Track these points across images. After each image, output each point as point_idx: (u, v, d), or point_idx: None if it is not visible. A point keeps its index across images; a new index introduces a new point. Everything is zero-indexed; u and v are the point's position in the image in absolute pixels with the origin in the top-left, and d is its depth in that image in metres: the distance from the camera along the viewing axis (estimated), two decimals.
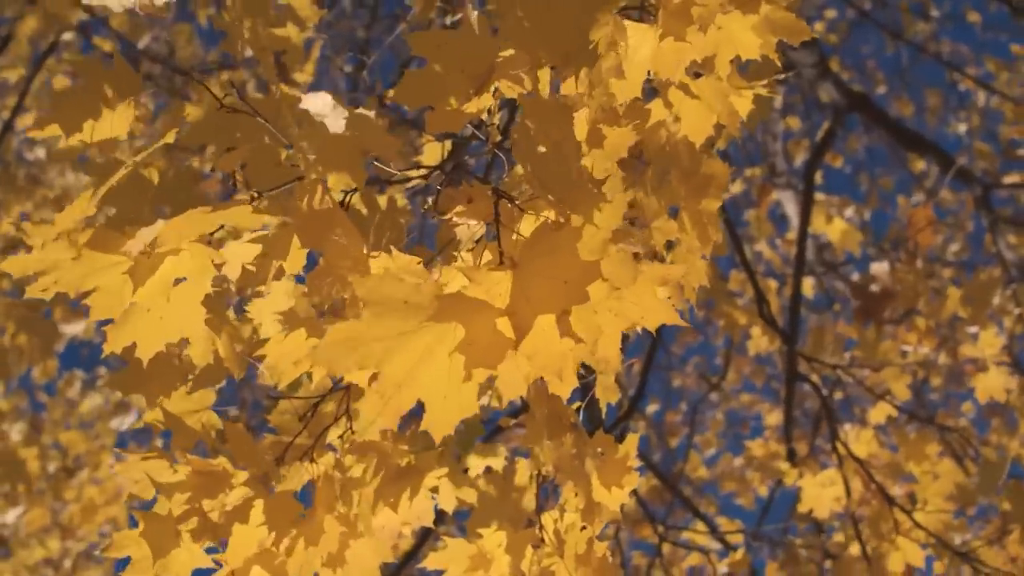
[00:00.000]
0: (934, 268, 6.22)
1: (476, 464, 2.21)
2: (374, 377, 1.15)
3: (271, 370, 1.46)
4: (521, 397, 1.77)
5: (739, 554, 3.75)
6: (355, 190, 1.45)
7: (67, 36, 5.12)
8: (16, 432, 6.37)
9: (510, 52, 1.37)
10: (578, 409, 1.76)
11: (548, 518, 1.72)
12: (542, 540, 1.70)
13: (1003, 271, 5.12)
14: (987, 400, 4.49)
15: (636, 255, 1.50)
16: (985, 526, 3.56)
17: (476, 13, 1.38)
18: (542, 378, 1.60)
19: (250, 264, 1.34)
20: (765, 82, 1.55)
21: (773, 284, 6.12)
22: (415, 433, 2.10)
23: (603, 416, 1.87)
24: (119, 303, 1.29)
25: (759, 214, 6.39)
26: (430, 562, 1.72)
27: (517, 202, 1.37)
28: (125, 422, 6.60)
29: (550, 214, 1.28)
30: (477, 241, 1.45)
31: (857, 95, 4.79)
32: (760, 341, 5.30)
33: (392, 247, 1.22)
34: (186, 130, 1.53)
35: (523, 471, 2.00)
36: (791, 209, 6.49)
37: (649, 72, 1.47)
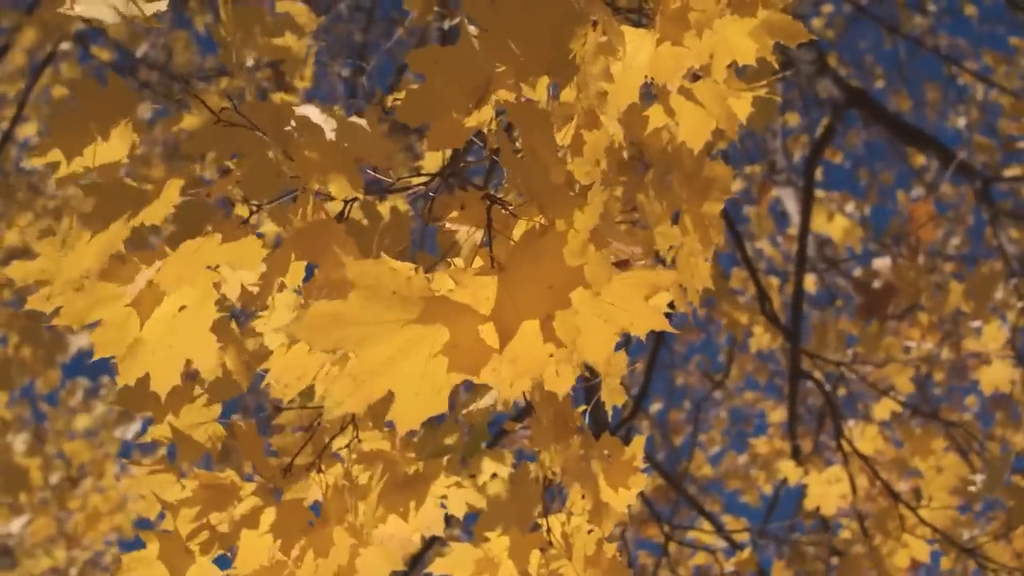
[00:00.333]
0: (935, 262, 6.22)
1: (483, 470, 2.21)
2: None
3: (276, 383, 1.46)
4: (525, 400, 1.77)
5: (745, 553, 3.74)
6: (355, 199, 1.45)
7: (65, 46, 5.12)
8: (20, 443, 6.37)
9: (502, 67, 1.37)
10: (583, 412, 1.76)
11: (555, 521, 1.72)
12: (549, 543, 1.70)
13: (1005, 265, 5.12)
14: (992, 393, 4.49)
15: (626, 262, 1.50)
16: (991, 522, 3.56)
17: (472, 26, 1.38)
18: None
19: (251, 284, 1.34)
20: (765, 83, 1.54)
21: (775, 281, 6.12)
22: (422, 440, 2.10)
23: (608, 419, 1.87)
24: (124, 338, 1.29)
25: (759, 211, 6.39)
26: (436, 567, 1.72)
27: (511, 208, 1.38)
28: (129, 431, 6.60)
29: (540, 220, 1.28)
30: (479, 247, 1.45)
31: (856, 91, 4.79)
32: (762, 338, 5.30)
33: (383, 253, 1.22)
34: (187, 142, 1.54)
35: (529, 474, 2.00)
36: (791, 206, 6.48)
37: (649, 78, 1.47)
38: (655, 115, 1.55)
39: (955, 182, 5.92)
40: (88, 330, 1.31)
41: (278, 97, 2.25)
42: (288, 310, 1.47)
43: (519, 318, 1.15)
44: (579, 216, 1.19)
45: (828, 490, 4.01)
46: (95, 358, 1.29)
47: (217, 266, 1.32)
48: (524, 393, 1.66)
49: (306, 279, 1.40)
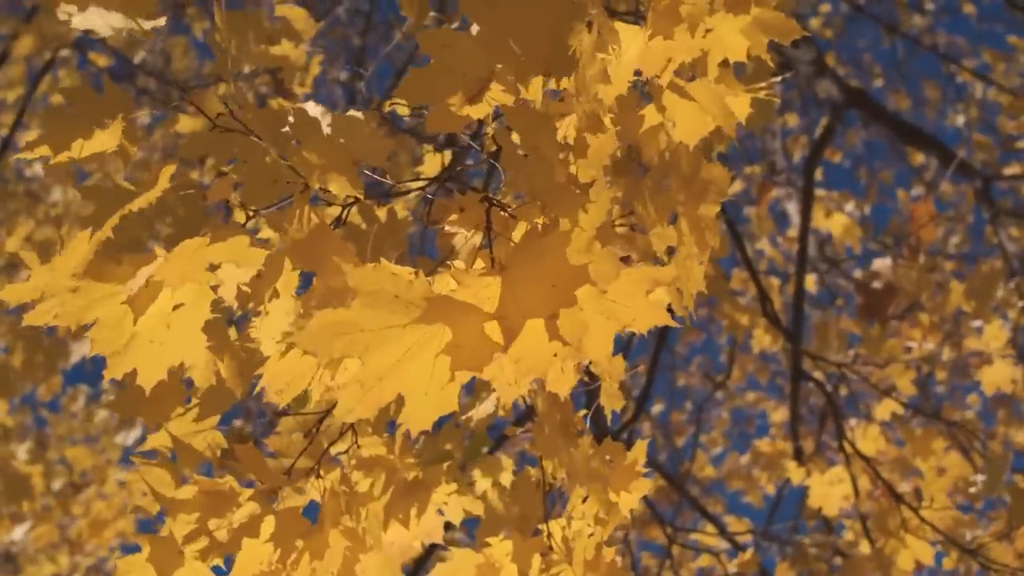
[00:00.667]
0: (936, 261, 6.22)
1: (482, 479, 2.21)
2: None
3: (270, 388, 1.46)
4: (525, 404, 1.77)
5: (748, 554, 3.73)
6: (355, 202, 1.45)
7: (63, 53, 5.13)
8: (23, 451, 6.37)
9: (500, 65, 1.37)
10: (584, 416, 1.76)
11: (556, 525, 1.72)
12: (550, 548, 1.69)
13: (1005, 264, 5.11)
14: (994, 392, 4.48)
15: (629, 258, 1.50)
16: (994, 522, 3.56)
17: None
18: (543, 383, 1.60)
19: (245, 285, 1.34)
20: (764, 85, 1.54)
21: (775, 282, 6.11)
22: (422, 446, 2.10)
23: (608, 423, 1.87)
24: (120, 335, 1.29)
25: (759, 212, 6.38)
26: (437, 573, 1.71)
27: (510, 210, 1.37)
28: (131, 437, 6.60)
29: (541, 220, 1.28)
30: (478, 250, 1.45)
31: (855, 91, 4.78)
32: (763, 339, 5.29)
33: (382, 257, 1.22)
34: (183, 144, 1.54)
35: (530, 479, 1.99)
36: (791, 206, 6.48)
37: (641, 75, 1.47)
38: (650, 115, 1.55)
39: (955, 180, 5.92)
40: (86, 337, 1.31)
41: (277, 103, 2.26)
42: (283, 316, 1.47)
43: (523, 316, 1.15)
44: (584, 214, 1.18)
45: (830, 491, 4.00)
46: (91, 354, 1.29)
47: (216, 266, 1.32)
48: (524, 397, 1.66)
49: (302, 284, 1.40)
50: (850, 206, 6.73)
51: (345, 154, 1.40)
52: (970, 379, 5.14)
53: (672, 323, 1.26)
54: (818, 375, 4.79)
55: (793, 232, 6.51)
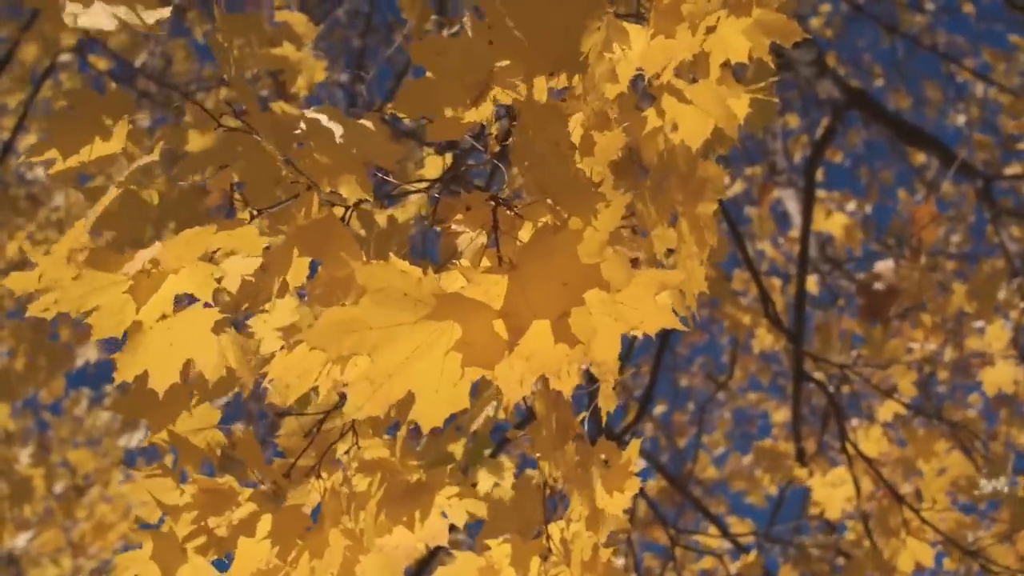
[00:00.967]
0: (937, 261, 6.21)
1: (485, 480, 2.20)
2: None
3: (276, 386, 1.46)
4: (527, 406, 1.77)
5: (751, 556, 3.73)
6: (362, 202, 1.45)
7: (65, 57, 5.13)
8: (26, 456, 6.37)
9: (507, 61, 1.37)
10: (584, 418, 1.76)
11: (555, 528, 1.72)
12: (549, 550, 1.70)
13: (1007, 263, 5.11)
14: (995, 392, 4.48)
15: (635, 260, 1.50)
16: (995, 523, 3.55)
17: (472, 23, 1.38)
18: (548, 386, 1.60)
19: (249, 276, 1.34)
20: (763, 86, 1.54)
21: (777, 282, 6.11)
22: (424, 448, 2.10)
23: (604, 424, 1.87)
24: (120, 322, 1.29)
25: (761, 213, 6.38)
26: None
27: (516, 208, 1.37)
28: (133, 439, 6.60)
29: (548, 219, 1.28)
30: (483, 251, 1.45)
31: (856, 91, 4.78)
32: (765, 339, 5.29)
33: (391, 254, 1.22)
34: (185, 163, 1.54)
35: (531, 482, 1.99)
36: (793, 207, 6.48)
37: (644, 74, 1.47)
38: (653, 116, 1.55)
39: (956, 180, 5.92)
40: (94, 342, 1.31)
41: (278, 106, 2.26)
42: (288, 311, 1.47)
43: (532, 315, 1.15)
44: (599, 215, 1.18)
45: (832, 492, 4.00)
46: (93, 339, 1.29)
47: (216, 251, 1.31)
48: (525, 399, 1.66)
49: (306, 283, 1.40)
50: (851, 206, 6.73)
51: (355, 156, 1.40)
52: (972, 379, 5.14)
53: (679, 325, 1.26)
54: (820, 376, 4.78)
55: (794, 233, 6.51)
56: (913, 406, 4.60)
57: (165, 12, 1.46)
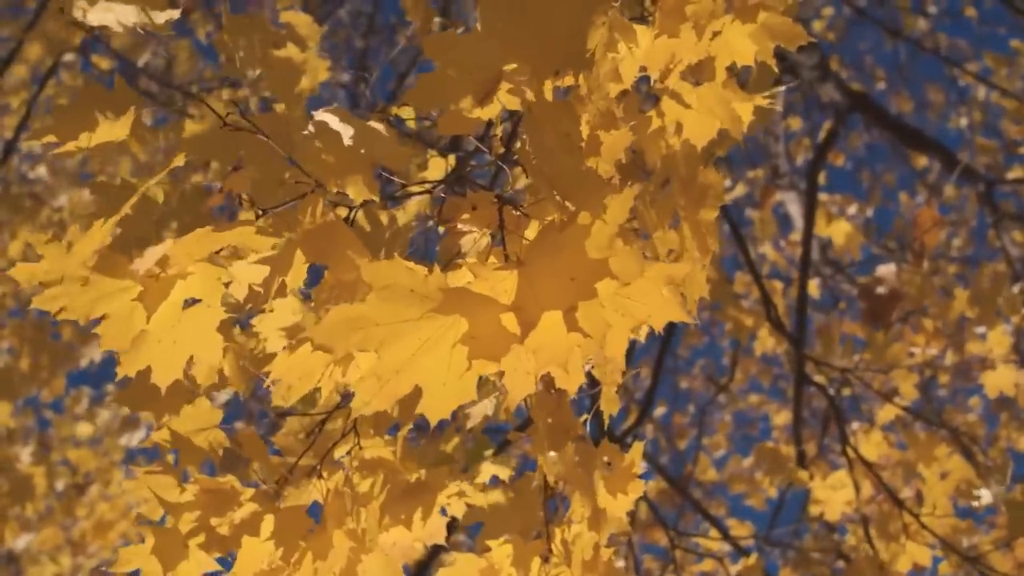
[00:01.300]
0: (938, 264, 6.22)
1: (485, 472, 2.21)
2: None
3: (279, 387, 1.46)
4: (527, 408, 1.77)
5: (751, 559, 3.73)
6: (368, 202, 1.46)
7: (68, 57, 5.14)
8: (27, 454, 6.38)
9: (514, 64, 1.37)
10: (586, 420, 1.76)
11: (556, 529, 1.72)
12: (550, 551, 1.70)
13: (1008, 268, 5.11)
14: (996, 396, 4.48)
15: (645, 256, 1.50)
16: (994, 528, 3.55)
17: (481, 21, 1.38)
18: (543, 386, 1.60)
19: (257, 285, 1.34)
20: (767, 93, 1.55)
21: (779, 285, 6.12)
22: (423, 448, 2.10)
23: (606, 427, 1.87)
24: (130, 330, 1.29)
25: (763, 216, 6.39)
26: None
27: (523, 207, 1.38)
28: (135, 438, 6.60)
29: (555, 217, 1.28)
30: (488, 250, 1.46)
31: (858, 95, 4.79)
32: (767, 341, 5.29)
33: (396, 255, 1.22)
34: (188, 141, 1.54)
35: (531, 483, 2.00)
36: (795, 210, 6.48)
37: (648, 76, 1.48)
38: (656, 118, 1.55)
39: (958, 184, 5.92)
40: (97, 341, 1.30)
41: (281, 107, 2.26)
42: (289, 311, 1.47)
43: (540, 309, 1.15)
44: (608, 209, 1.18)
45: (833, 496, 4.00)
46: (101, 350, 1.29)
47: (220, 251, 1.31)
48: (525, 401, 1.66)
49: (309, 282, 1.40)
50: (853, 209, 6.73)
51: (363, 157, 1.41)
52: (973, 383, 5.14)
53: (687, 319, 1.27)
54: (821, 379, 4.78)
55: (796, 236, 6.51)
56: (914, 410, 4.60)
57: (175, 13, 1.46)
